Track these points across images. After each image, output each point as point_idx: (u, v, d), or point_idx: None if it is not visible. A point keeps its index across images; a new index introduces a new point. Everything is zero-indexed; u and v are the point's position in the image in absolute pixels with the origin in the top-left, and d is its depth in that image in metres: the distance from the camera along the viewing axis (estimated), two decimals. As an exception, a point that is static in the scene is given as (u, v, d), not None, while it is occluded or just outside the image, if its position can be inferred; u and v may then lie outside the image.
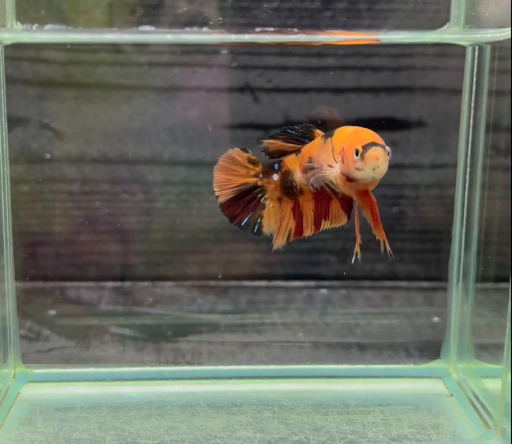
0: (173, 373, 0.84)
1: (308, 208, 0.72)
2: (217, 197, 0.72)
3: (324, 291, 1.05)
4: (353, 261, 0.67)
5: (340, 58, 1.01)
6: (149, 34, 0.80)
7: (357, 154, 0.62)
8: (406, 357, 0.89)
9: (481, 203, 0.81)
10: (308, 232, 0.72)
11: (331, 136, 0.67)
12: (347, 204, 0.70)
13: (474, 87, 0.79)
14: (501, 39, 0.73)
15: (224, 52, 1.00)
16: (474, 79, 0.78)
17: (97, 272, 1.05)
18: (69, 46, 0.95)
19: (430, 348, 0.87)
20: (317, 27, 0.92)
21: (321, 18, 0.93)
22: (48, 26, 0.75)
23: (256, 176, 0.72)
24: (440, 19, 0.76)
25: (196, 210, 1.03)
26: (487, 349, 0.83)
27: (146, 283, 1.05)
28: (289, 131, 0.71)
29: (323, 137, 0.68)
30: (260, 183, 0.72)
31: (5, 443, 0.70)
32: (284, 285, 1.06)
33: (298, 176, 0.70)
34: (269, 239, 0.73)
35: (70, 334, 0.93)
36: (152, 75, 1.00)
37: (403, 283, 1.05)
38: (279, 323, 0.98)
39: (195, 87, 1.01)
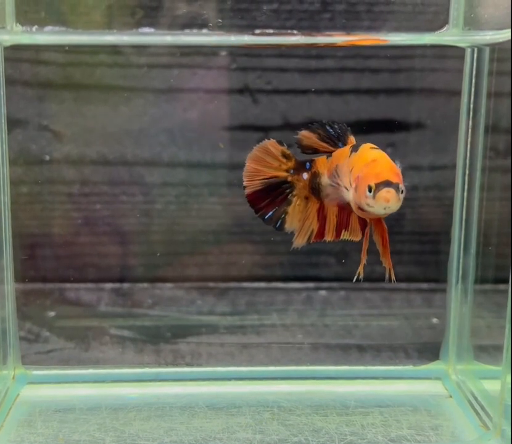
0: (172, 374, 0.84)
1: (332, 213, 0.70)
2: (244, 186, 0.70)
3: (323, 292, 1.05)
4: (354, 281, 0.66)
5: (340, 60, 1.01)
6: (149, 36, 0.80)
7: (370, 190, 0.60)
8: (405, 359, 0.88)
9: (480, 205, 0.81)
10: (329, 237, 0.71)
11: (356, 151, 0.65)
12: (363, 221, 0.69)
13: (473, 89, 0.79)
14: (500, 40, 0.73)
15: (224, 53, 1.00)
16: (473, 80, 0.78)
17: (97, 273, 1.05)
18: (67, 48, 0.95)
19: (429, 350, 0.87)
20: (316, 29, 0.92)
21: (320, 20, 0.93)
22: (48, 28, 0.75)
23: (287, 170, 0.70)
24: (439, 21, 0.76)
25: (195, 212, 1.03)
26: (486, 351, 0.83)
27: (145, 285, 1.05)
28: (328, 127, 0.68)
29: (351, 148, 0.66)
30: (289, 179, 0.70)
31: (5, 444, 0.70)
32: (283, 287, 1.06)
33: (324, 180, 0.69)
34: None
35: (70, 335, 0.93)
36: (151, 77, 1.00)
37: (402, 285, 1.05)
38: (278, 324, 0.98)
39: (195, 89, 1.01)
